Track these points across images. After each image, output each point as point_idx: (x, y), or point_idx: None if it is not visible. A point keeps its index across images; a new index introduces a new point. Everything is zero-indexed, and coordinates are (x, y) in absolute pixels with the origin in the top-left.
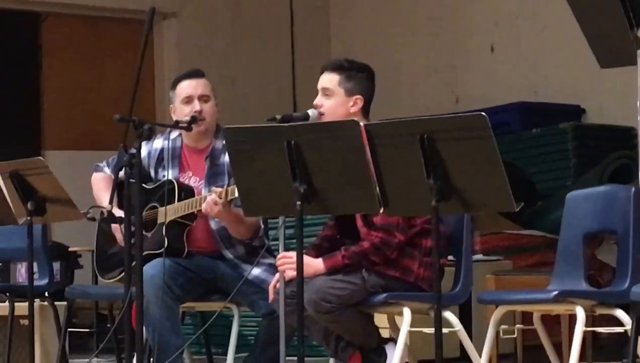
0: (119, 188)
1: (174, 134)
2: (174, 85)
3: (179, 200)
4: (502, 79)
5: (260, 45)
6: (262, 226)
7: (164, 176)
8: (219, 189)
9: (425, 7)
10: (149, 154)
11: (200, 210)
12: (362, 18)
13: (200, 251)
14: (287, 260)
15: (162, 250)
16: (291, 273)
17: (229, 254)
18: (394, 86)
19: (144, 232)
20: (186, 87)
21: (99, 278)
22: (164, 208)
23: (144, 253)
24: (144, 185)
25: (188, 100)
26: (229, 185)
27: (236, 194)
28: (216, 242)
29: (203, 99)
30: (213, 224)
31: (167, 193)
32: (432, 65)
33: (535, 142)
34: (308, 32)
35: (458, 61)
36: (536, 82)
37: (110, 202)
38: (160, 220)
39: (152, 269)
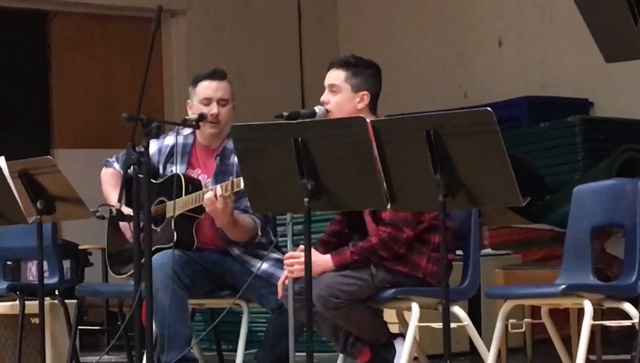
0: (127, 186)
1: (188, 130)
2: (194, 83)
3: (186, 194)
4: (509, 72)
5: (268, 42)
6: (259, 232)
7: (171, 171)
8: (225, 183)
9: (432, 1)
10: (160, 150)
11: None
12: (369, 14)
13: (208, 247)
14: (295, 261)
15: (172, 244)
16: (300, 274)
17: (235, 251)
18: (401, 81)
19: (152, 227)
20: (206, 88)
21: (109, 275)
22: (172, 202)
23: (154, 247)
24: (152, 180)
25: (207, 102)
26: None
27: (242, 186)
28: (222, 238)
29: (221, 103)
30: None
31: (175, 186)
32: (439, 60)
33: (544, 135)
34: (316, 29)
35: (465, 55)
36: (544, 76)
37: (119, 201)
38: (169, 214)
39: (161, 258)
